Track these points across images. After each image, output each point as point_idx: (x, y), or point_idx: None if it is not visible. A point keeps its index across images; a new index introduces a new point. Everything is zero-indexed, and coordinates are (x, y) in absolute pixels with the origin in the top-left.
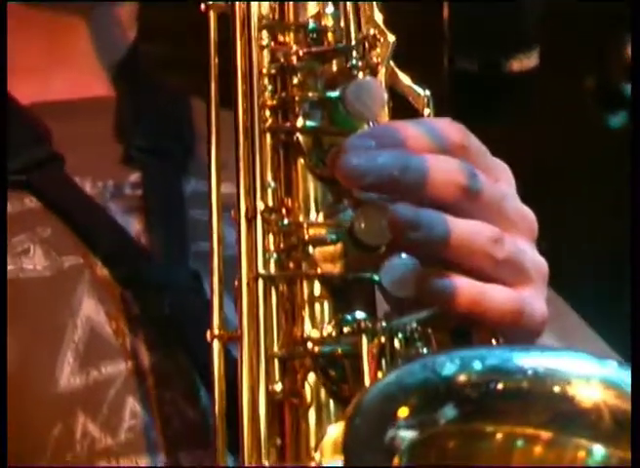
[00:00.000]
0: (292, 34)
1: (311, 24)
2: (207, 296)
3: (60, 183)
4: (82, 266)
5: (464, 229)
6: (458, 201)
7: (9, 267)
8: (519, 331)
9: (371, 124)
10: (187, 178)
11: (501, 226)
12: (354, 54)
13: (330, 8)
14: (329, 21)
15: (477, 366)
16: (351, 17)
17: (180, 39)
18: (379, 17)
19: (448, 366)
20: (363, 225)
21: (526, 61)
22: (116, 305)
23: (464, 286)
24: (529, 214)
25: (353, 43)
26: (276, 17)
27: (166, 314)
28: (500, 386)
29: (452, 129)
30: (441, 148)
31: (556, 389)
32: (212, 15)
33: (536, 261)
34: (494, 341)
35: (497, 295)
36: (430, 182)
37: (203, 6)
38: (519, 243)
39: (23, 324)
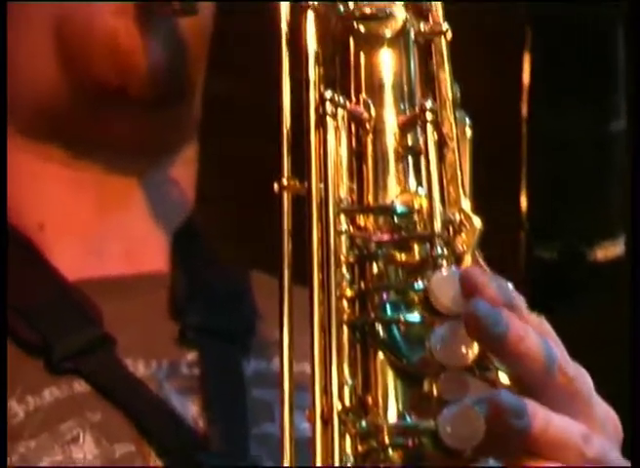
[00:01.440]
0: (371, 218)
1: (392, 208)
2: None
3: (111, 366)
4: (134, 455)
5: (560, 422)
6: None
7: (57, 457)
8: None
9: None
10: (247, 358)
11: (589, 425)
12: (438, 241)
13: (412, 186)
14: (411, 204)
15: None
16: (437, 200)
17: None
18: (465, 202)
19: None
20: (449, 429)
21: (612, 249)
22: None
23: None
24: (614, 418)
25: (437, 229)
26: (354, 198)
27: None
28: None
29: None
30: None
31: None
32: (285, 196)
33: (623, 466)
34: None
35: None
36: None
37: (276, 186)
38: (606, 444)
39: None
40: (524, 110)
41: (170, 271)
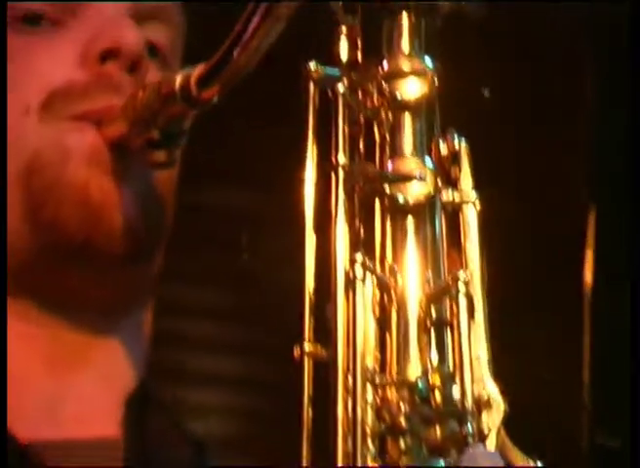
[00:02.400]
0: (398, 391)
1: (420, 383)
2: None
3: None
4: None
5: None
6: None
7: None
8: None
9: None
10: None
11: None
12: (466, 418)
13: (437, 359)
14: (439, 379)
15: None
16: (467, 377)
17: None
18: (490, 381)
19: None
20: None
21: None
22: None
23: None
24: None
25: (467, 407)
26: (379, 368)
27: None
28: None
29: None
30: None
31: None
32: (307, 363)
33: None
34: None
35: None
36: None
37: (297, 351)
38: None
39: None
40: (586, 308)
41: (123, 438)
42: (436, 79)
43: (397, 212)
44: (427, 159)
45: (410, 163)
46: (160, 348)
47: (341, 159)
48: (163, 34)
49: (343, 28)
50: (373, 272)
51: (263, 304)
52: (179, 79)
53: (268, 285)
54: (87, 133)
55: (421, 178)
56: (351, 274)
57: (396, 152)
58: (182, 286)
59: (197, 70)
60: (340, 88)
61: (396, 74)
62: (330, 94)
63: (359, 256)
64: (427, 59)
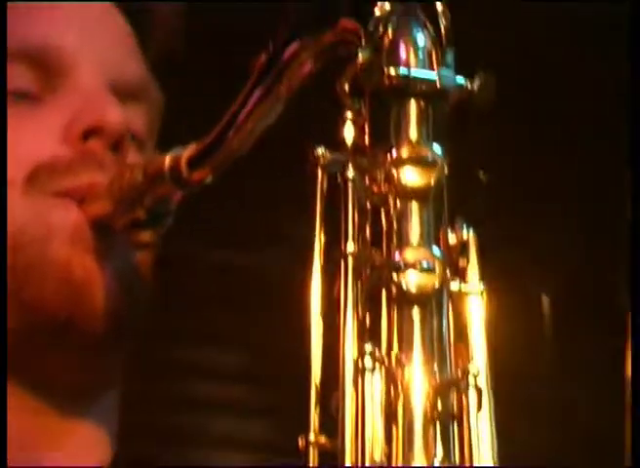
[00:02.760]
0: None
1: None
2: None
3: None
4: None
5: None
6: None
7: None
8: None
9: None
10: None
11: None
12: None
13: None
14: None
15: None
16: None
17: None
18: None
19: None
20: None
21: None
22: None
23: None
24: None
25: None
26: (385, 460)
27: None
28: None
29: None
30: None
31: None
32: (312, 453)
33: None
34: None
35: None
36: None
37: (301, 442)
38: None
39: None
40: (628, 403)
41: None
42: (445, 167)
43: (404, 301)
44: (435, 248)
45: (417, 252)
46: (181, 412)
47: (350, 247)
48: (141, 114)
49: (349, 113)
50: (382, 363)
51: (284, 368)
52: (168, 159)
53: (288, 349)
54: (71, 210)
55: (429, 268)
56: (360, 365)
57: (403, 241)
58: (204, 349)
59: (188, 151)
60: (350, 174)
61: (404, 162)
62: (339, 179)
63: (368, 347)
64: (436, 147)
